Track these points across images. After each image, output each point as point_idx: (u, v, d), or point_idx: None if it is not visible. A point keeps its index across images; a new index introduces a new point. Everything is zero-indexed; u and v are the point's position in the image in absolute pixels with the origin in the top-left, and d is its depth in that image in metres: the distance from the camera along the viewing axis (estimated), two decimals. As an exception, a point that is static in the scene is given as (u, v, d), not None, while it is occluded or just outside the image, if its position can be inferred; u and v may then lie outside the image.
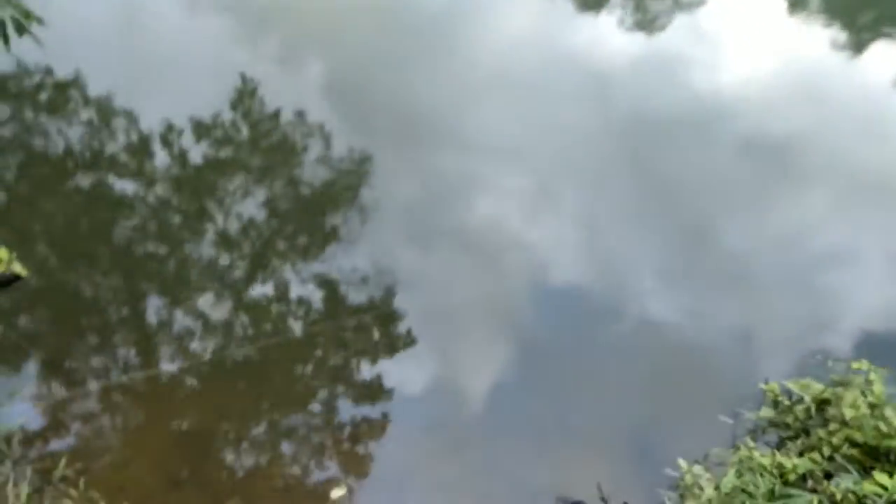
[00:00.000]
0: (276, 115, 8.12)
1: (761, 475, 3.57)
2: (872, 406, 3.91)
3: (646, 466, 4.55)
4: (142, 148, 7.23)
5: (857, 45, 11.45)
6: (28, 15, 4.56)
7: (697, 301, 6.35)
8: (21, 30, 4.45)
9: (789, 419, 4.16)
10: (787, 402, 4.26)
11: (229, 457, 4.61)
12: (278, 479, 4.53)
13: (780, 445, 4.13)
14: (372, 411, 5.08)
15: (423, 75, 9.50)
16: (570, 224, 7.27)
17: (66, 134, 7.22)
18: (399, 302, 5.97)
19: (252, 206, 6.70)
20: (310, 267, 6.25)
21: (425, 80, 9.41)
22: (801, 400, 4.20)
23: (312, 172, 7.40)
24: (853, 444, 3.75)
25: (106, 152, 7.08)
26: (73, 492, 3.82)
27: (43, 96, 7.74)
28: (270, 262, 6.29)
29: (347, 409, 5.07)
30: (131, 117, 7.55)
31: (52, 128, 7.28)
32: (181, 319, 5.55)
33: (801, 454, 3.84)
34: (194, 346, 5.33)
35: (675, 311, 6.15)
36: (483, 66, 9.83)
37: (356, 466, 4.68)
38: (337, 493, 3.76)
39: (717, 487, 3.64)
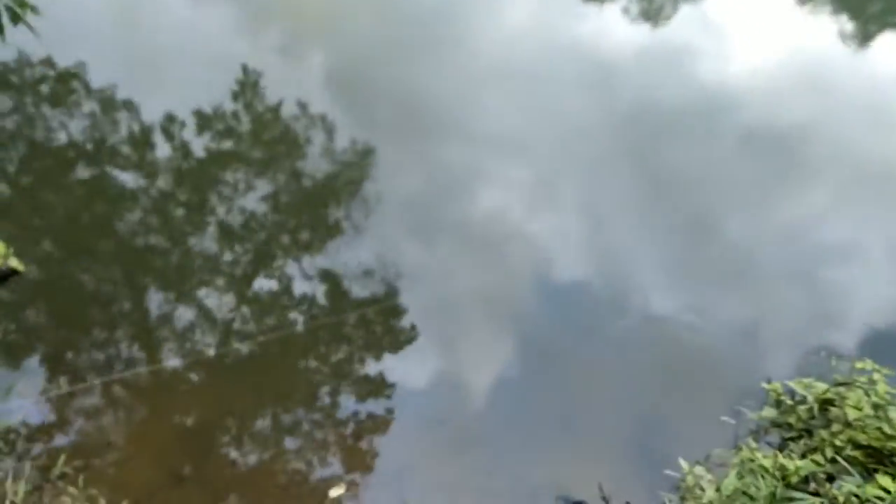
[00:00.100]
0: (278, 106, 8.08)
1: (763, 477, 3.54)
2: (876, 406, 3.88)
3: (648, 466, 4.52)
4: (143, 140, 7.19)
5: (864, 37, 11.34)
6: (23, 3, 4.48)
7: (701, 296, 6.31)
8: (16, 18, 4.38)
9: (792, 419, 4.13)
10: (789, 402, 4.23)
11: (231, 453, 4.60)
12: (280, 476, 4.52)
13: (782, 446, 4.10)
14: (373, 407, 5.07)
15: (426, 66, 9.44)
16: (574, 217, 7.23)
17: (66, 125, 7.19)
18: (401, 296, 5.95)
19: (254, 199, 6.67)
20: (312, 260, 6.23)
21: (428, 70, 9.34)
22: (803, 400, 4.17)
23: (314, 164, 7.36)
24: (856, 445, 3.72)
25: (107, 144, 7.04)
26: (72, 489, 3.81)
27: (44, 87, 7.70)
28: (273, 256, 6.26)
29: (349, 405, 5.06)
30: (133, 108, 7.51)
31: (52, 119, 7.25)
32: (183, 314, 5.53)
33: (803, 455, 3.81)
34: (196, 340, 5.31)
35: (679, 307, 6.11)
36: (486, 56, 9.76)
37: (357, 462, 4.67)
38: (335, 491, 3.74)
39: (718, 489, 3.61)
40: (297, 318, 5.68)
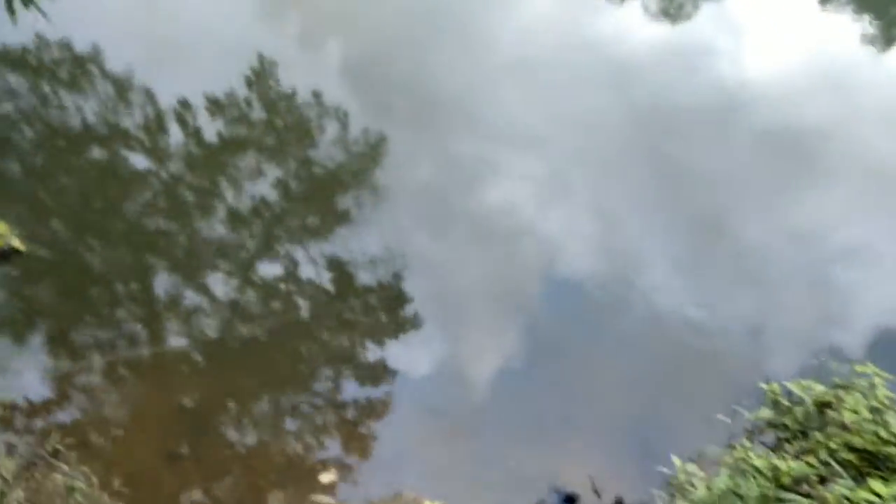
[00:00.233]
0: (292, 94, 8.10)
1: (755, 477, 3.51)
2: (874, 410, 3.82)
3: (642, 461, 4.51)
4: (156, 124, 7.25)
5: (887, 39, 11.16)
6: (34, -13, 4.54)
7: (707, 294, 6.27)
8: (27, 2, 4.42)
9: (788, 421, 4.08)
10: (786, 404, 4.18)
11: (228, 433, 4.64)
12: (275, 458, 4.55)
13: (777, 447, 4.05)
14: (372, 394, 5.09)
15: (441, 58, 9.41)
16: (583, 213, 7.19)
17: (80, 108, 7.26)
18: (406, 285, 5.97)
19: (263, 185, 6.71)
20: (318, 247, 6.26)
21: (444, 62, 9.32)
22: (801, 401, 4.12)
23: (325, 152, 7.38)
24: (851, 448, 3.66)
25: (119, 128, 7.11)
26: (64, 466, 3.85)
27: (60, 71, 7.78)
28: (279, 241, 6.30)
29: (348, 391, 5.09)
30: (147, 93, 7.57)
31: (66, 102, 7.33)
32: (187, 296, 5.58)
33: (797, 457, 3.76)
34: (198, 322, 5.36)
35: (684, 304, 6.07)
36: (503, 51, 9.72)
37: (353, 447, 4.70)
38: (327, 477, 3.77)
39: (709, 488, 3.59)
40: (301, 303, 5.71)
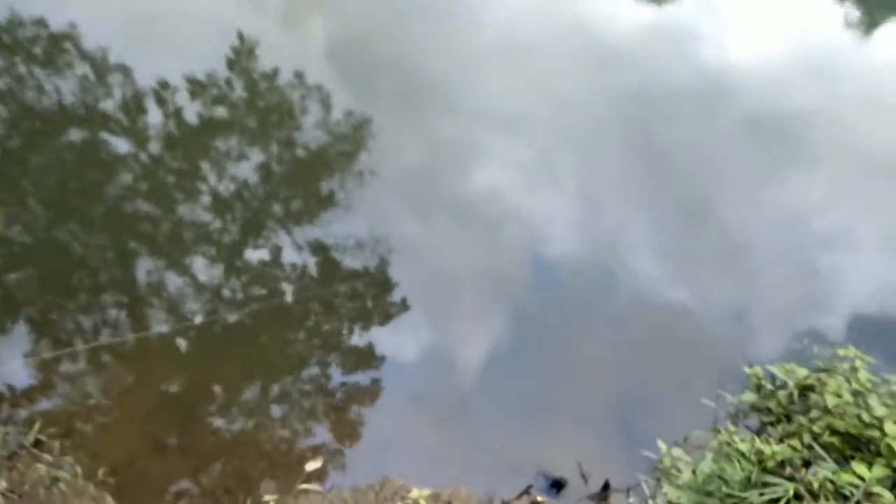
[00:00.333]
0: (274, 75, 7.99)
1: (739, 461, 3.54)
2: (856, 394, 3.87)
3: (629, 446, 4.55)
4: (135, 105, 7.12)
5: (870, 24, 11.21)
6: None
7: (692, 278, 6.30)
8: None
9: (771, 404, 4.13)
10: (770, 387, 4.23)
11: (214, 421, 4.61)
12: (262, 445, 4.53)
13: (761, 430, 4.10)
14: (359, 379, 5.07)
15: (426, 39, 9.33)
16: (568, 195, 7.20)
17: (58, 89, 7.11)
18: (392, 270, 5.94)
19: (246, 168, 6.62)
20: (303, 231, 6.20)
21: (429, 44, 9.24)
22: (784, 385, 4.17)
23: (308, 135, 7.30)
24: (834, 432, 3.71)
25: (98, 108, 6.97)
26: (47, 456, 3.80)
27: (35, 48, 7.60)
28: (264, 226, 6.23)
29: (335, 377, 5.07)
30: (125, 72, 7.42)
31: (43, 81, 7.16)
32: (171, 281, 5.51)
33: (781, 440, 3.81)
34: (183, 308, 5.29)
35: (668, 289, 6.11)
36: (488, 32, 9.65)
37: (340, 434, 4.68)
38: (312, 465, 3.75)
39: (693, 472, 3.62)
40: (287, 288, 5.66)
